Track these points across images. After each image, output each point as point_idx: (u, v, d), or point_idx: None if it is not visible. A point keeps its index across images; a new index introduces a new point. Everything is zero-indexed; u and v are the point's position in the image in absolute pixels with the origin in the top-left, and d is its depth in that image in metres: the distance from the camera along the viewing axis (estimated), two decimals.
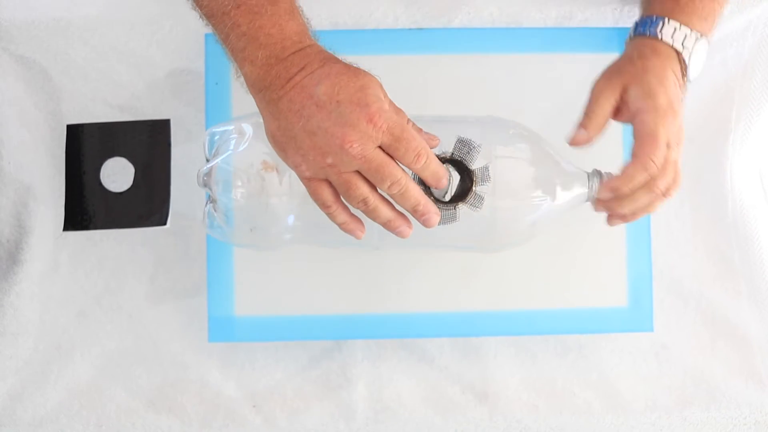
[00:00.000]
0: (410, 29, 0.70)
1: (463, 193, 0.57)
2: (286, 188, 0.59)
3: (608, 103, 0.57)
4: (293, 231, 0.61)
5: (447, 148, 0.56)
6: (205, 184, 0.61)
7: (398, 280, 0.69)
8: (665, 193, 0.57)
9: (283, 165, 0.57)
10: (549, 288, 0.69)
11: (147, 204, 0.69)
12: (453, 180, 0.58)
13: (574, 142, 0.57)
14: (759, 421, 0.71)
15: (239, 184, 0.60)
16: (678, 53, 0.57)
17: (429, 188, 0.55)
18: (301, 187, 0.54)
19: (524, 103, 0.68)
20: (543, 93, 0.69)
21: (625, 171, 0.55)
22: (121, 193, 0.70)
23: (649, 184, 0.56)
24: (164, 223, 0.69)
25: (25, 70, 0.71)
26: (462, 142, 0.56)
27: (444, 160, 0.56)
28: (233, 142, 0.62)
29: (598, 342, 0.72)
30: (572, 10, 0.71)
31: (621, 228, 0.68)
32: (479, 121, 0.64)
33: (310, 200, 0.55)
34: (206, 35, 0.69)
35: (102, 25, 0.71)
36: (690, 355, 0.72)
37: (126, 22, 0.71)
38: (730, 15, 0.71)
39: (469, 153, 0.56)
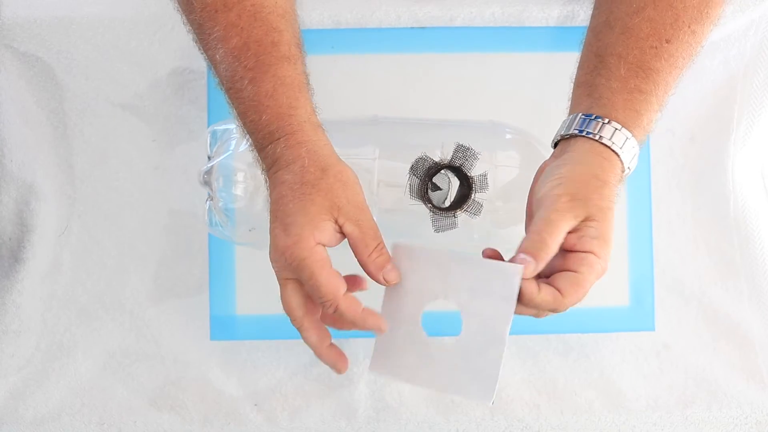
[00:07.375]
0: (412, 28, 0.70)
1: (461, 200, 0.57)
2: None
3: (564, 233, 0.48)
4: None
5: (446, 153, 0.57)
6: (206, 183, 0.61)
7: None
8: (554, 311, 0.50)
9: None
10: None
11: None
12: (452, 186, 0.58)
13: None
14: (760, 420, 0.71)
15: (239, 183, 0.60)
16: (618, 156, 0.51)
17: (428, 195, 0.55)
18: None
19: (526, 103, 0.68)
20: (545, 92, 0.69)
21: (541, 295, 0.48)
22: None
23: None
24: None
25: (27, 68, 0.71)
26: (461, 149, 0.56)
27: (443, 165, 0.56)
28: (234, 141, 0.62)
29: (599, 341, 0.72)
30: (574, 9, 0.71)
31: (622, 227, 0.69)
32: (480, 126, 0.63)
33: None
34: None
35: (104, 23, 0.71)
36: (691, 355, 0.72)
37: (128, 21, 0.71)
38: (732, 15, 0.71)
39: (467, 160, 0.56)
